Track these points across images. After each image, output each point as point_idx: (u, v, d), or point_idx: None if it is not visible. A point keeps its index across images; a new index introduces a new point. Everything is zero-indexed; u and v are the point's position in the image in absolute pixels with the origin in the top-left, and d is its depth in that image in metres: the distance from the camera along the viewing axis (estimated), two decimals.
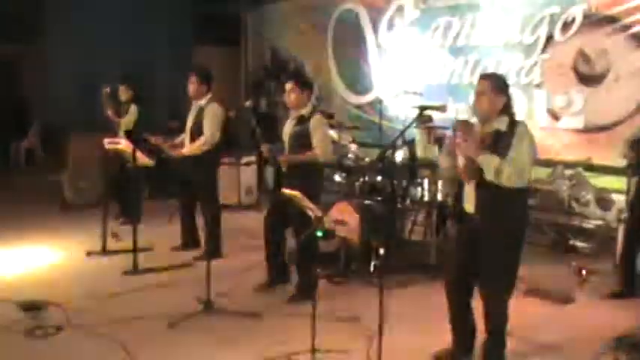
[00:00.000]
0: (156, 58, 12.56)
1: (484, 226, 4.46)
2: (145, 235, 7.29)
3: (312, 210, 4.99)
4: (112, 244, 7.88)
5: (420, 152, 7.80)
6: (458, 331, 4.82)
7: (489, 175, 4.30)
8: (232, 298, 6.14)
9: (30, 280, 6.80)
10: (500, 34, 9.33)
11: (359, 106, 11.40)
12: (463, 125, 4.39)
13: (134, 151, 6.91)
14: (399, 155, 7.85)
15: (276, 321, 5.75)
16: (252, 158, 10.48)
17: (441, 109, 4.68)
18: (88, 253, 7.67)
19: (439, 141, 7.77)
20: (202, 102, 7.50)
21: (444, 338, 4.91)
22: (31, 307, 5.80)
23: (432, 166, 7.52)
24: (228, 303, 5.97)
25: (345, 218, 7.05)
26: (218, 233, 7.51)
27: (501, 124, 4.47)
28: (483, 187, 4.39)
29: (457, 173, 4.58)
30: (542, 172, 8.41)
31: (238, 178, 10.43)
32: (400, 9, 10.68)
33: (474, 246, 4.56)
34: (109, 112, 9.14)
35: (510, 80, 8.93)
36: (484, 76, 4.64)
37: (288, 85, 6.24)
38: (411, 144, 7.52)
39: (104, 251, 7.69)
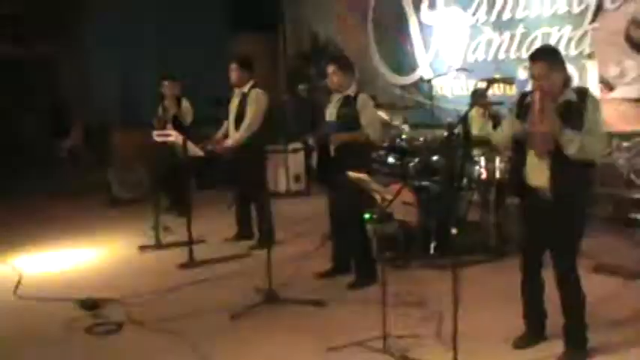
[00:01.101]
0: (193, 49, 12.41)
1: (558, 199, 4.26)
2: (195, 227, 7.20)
3: (379, 192, 4.81)
4: (164, 237, 7.81)
5: (474, 129, 7.62)
6: (531, 311, 4.63)
7: (571, 150, 4.09)
8: (292, 286, 6.01)
9: (85, 278, 6.75)
10: (547, 6, 9.02)
11: (403, 87, 11.18)
12: (542, 96, 4.16)
13: (185, 142, 6.80)
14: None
15: (340, 308, 5.60)
16: (300, 145, 10.36)
17: (509, 81, 4.48)
18: (142, 248, 7.61)
19: (494, 118, 7.59)
20: (245, 89, 7.39)
21: (512, 319, 4.73)
22: (90, 304, 5.75)
23: (487, 143, 7.33)
24: (289, 292, 5.83)
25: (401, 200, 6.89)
26: (270, 221, 7.40)
27: (570, 94, 4.27)
28: (558, 160, 4.18)
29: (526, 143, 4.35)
30: None
31: (286, 166, 10.32)
32: None
33: (543, 220, 4.37)
34: (164, 109, 9.00)
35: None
36: (536, 58, 4.31)
37: (331, 68, 6.10)
38: (464, 121, 7.30)
39: (158, 245, 7.62)
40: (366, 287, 5.98)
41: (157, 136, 7.45)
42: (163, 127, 8.94)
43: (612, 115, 8.38)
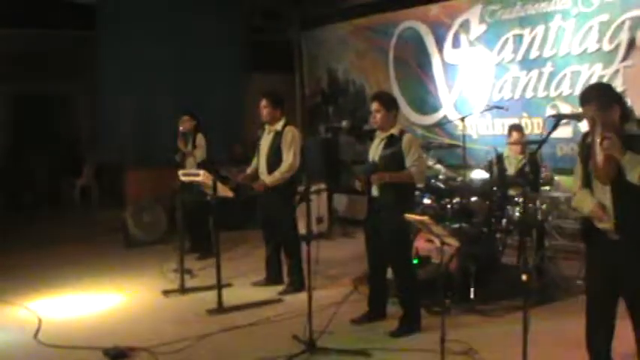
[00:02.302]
0: (211, 88, 12.23)
1: (625, 238, 3.98)
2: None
3: (441, 236, 4.54)
4: (188, 281, 7.51)
5: (511, 169, 7.38)
6: None
7: (634, 175, 3.83)
8: (331, 334, 5.66)
9: (108, 324, 6.44)
10: (576, 44, 8.86)
11: (425, 127, 10.96)
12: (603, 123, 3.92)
13: (215, 182, 6.54)
14: (482, 174, 7.44)
15: (385, 357, 5.31)
16: (322, 186, 10.10)
17: (578, 117, 4.23)
18: (166, 292, 7.29)
19: (531, 157, 7.35)
20: (278, 127, 7.17)
21: None
22: (118, 354, 5.43)
23: (525, 184, 7.10)
24: (329, 340, 5.51)
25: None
26: (301, 265, 7.13)
27: (632, 128, 4.02)
28: (621, 194, 3.93)
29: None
30: None
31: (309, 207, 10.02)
32: (465, 24, 10.24)
33: (611, 266, 4.09)
34: (181, 145, 8.80)
35: None
36: (586, 100, 4.07)
37: (374, 105, 5.86)
38: (499, 161, 7.08)
39: (182, 289, 7.30)
40: (410, 335, 5.71)
41: (183, 175, 7.18)
42: (183, 164, 8.76)
43: None
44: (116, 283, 7.83)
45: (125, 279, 8.02)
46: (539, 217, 6.73)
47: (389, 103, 5.91)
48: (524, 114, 9.35)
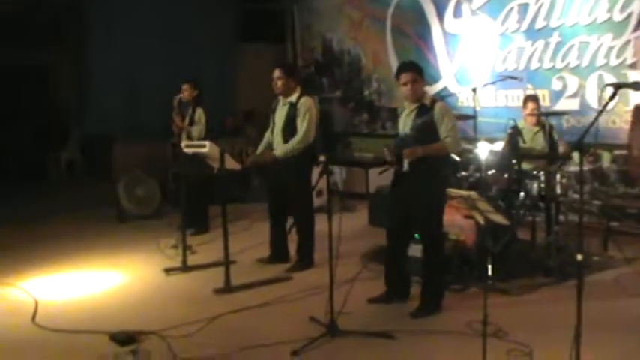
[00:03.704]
0: (201, 58, 11.82)
1: None
2: (219, 245, 6.69)
3: (486, 213, 4.27)
4: (188, 257, 7.16)
5: (525, 141, 7.12)
6: None
7: None
8: (350, 315, 5.37)
9: (110, 306, 6.09)
10: (585, 13, 8.59)
11: None
12: None
13: (222, 155, 6.21)
14: (498, 147, 7.20)
15: (411, 340, 5.05)
16: (323, 158, 9.78)
17: (636, 86, 3.96)
18: (167, 270, 6.97)
19: (544, 128, 7.12)
20: (292, 98, 6.85)
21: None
22: (126, 338, 5.09)
23: (542, 156, 6.88)
24: (349, 321, 5.23)
25: (456, 219, 6.41)
26: (312, 241, 6.87)
27: None
28: None
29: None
30: None
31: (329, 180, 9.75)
32: None
33: None
34: (177, 120, 8.42)
35: (598, 62, 8.50)
36: None
37: (407, 76, 5.51)
38: (518, 133, 6.81)
39: (185, 267, 6.99)
40: (431, 315, 5.49)
41: (186, 147, 6.82)
42: (179, 135, 8.43)
43: None
44: (113, 261, 7.49)
45: (121, 256, 7.68)
46: (559, 191, 6.47)
47: (421, 72, 5.61)
48: (529, 85, 9.08)
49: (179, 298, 6.22)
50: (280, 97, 6.94)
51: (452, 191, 4.53)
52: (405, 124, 5.59)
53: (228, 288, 6.26)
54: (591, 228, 7.50)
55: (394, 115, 7.73)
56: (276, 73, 6.79)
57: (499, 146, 7.14)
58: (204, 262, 7.13)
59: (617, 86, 3.82)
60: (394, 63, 10.84)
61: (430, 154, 5.41)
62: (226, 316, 5.61)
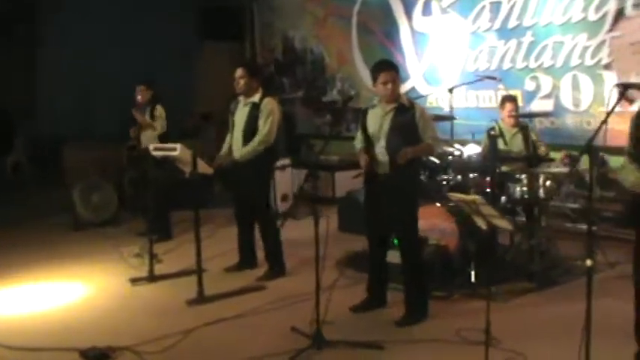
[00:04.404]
0: (158, 58, 11.39)
1: None
2: (187, 253, 6.48)
3: (489, 218, 4.00)
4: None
5: (504, 143, 6.91)
6: None
7: None
8: (333, 324, 5.03)
9: (77, 319, 5.67)
10: (559, 13, 8.44)
11: None
12: None
13: (195, 159, 5.84)
14: (472, 149, 6.99)
15: (399, 350, 4.80)
16: (288, 161, 9.45)
17: None
18: (134, 281, 6.56)
19: (524, 130, 6.94)
20: (255, 98, 6.53)
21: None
22: (100, 355, 4.73)
23: (522, 158, 6.68)
24: (332, 332, 4.90)
25: (437, 223, 6.16)
26: (279, 247, 6.61)
27: None
28: None
29: None
30: (615, 161, 7.54)
31: (273, 184, 9.38)
32: None
33: None
34: (138, 115, 8.05)
35: (573, 62, 8.35)
36: None
37: (387, 76, 5.25)
38: (495, 135, 6.59)
39: (151, 277, 6.58)
40: (418, 324, 5.27)
41: (155, 150, 6.42)
42: (138, 138, 8.11)
43: None
44: (73, 271, 7.05)
45: (81, 266, 7.23)
46: (542, 195, 6.27)
47: (398, 72, 5.45)
48: (501, 86, 8.89)
49: (148, 310, 5.84)
50: (241, 98, 6.64)
51: (454, 195, 4.27)
52: (381, 125, 5.30)
53: (201, 299, 5.89)
54: (568, 232, 7.37)
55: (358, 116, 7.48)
56: (239, 72, 6.49)
57: (473, 149, 6.96)
58: (171, 272, 6.75)
59: (627, 86, 3.65)
60: (359, 62, 10.63)
61: (418, 155, 5.35)
62: (201, 329, 5.26)
